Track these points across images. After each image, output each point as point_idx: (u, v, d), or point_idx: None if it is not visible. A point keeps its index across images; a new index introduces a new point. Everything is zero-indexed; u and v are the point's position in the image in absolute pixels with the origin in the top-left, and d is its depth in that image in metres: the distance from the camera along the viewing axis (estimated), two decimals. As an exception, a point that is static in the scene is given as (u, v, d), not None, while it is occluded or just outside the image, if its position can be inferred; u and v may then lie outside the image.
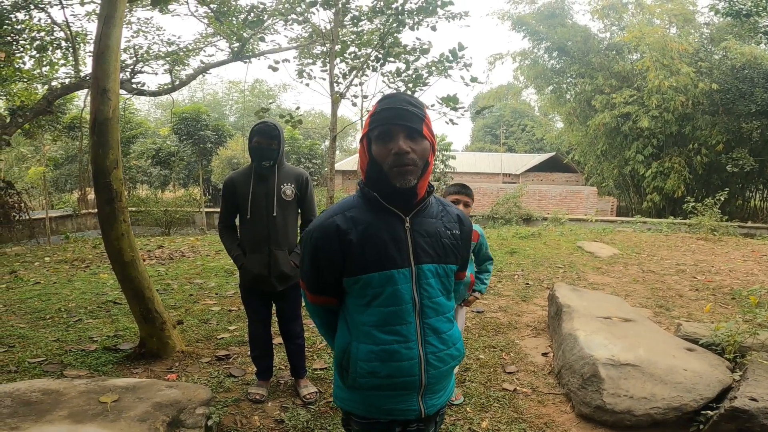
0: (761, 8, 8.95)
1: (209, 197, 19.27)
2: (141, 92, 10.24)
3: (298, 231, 2.62)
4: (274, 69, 6.05)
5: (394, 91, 1.37)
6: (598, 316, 3.40)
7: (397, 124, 1.19)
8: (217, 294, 5.03)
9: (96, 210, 12.17)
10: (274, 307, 2.71)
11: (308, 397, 2.58)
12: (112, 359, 3.08)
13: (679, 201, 16.03)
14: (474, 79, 6.05)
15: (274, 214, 2.44)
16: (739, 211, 16.96)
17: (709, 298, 5.16)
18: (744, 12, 9.60)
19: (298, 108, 6.47)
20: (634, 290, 5.48)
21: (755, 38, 12.78)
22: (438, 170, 17.04)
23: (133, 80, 10.19)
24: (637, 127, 16.49)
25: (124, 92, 10.56)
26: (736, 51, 14.60)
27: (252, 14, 6.97)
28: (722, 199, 10.78)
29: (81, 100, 18.78)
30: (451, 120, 5.76)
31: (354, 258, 1.23)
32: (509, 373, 3.04)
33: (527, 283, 5.65)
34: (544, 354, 3.38)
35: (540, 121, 27.82)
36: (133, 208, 14.54)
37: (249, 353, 3.22)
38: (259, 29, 7.33)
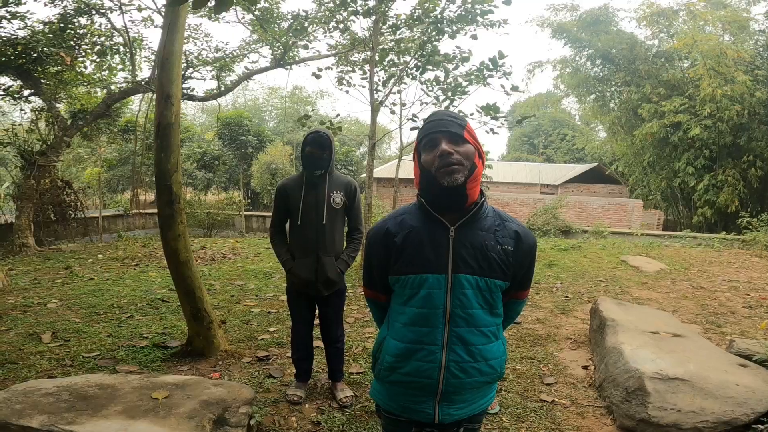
0: None
1: (248, 201, 19.89)
2: (190, 97, 10.75)
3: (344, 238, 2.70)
4: (317, 76, 6.20)
5: (439, 110, 1.41)
6: (644, 331, 3.27)
7: (439, 131, 1.26)
8: (257, 296, 5.18)
9: (145, 210, 12.80)
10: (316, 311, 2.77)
11: (344, 400, 2.62)
12: (160, 356, 3.23)
13: (732, 216, 15.13)
14: (515, 88, 5.98)
15: (324, 221, 2.51)
16: (798, 228, 15.81)
17: (763, 316, 4.85)
18: None
19: (338, 115, 6.60)
20: (683, 306, 5.22)
21: None
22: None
23: (183, 85, 10.72)
24: (688, 137, 15.74)
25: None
26: None
27: (296, 22, 7.20)
28: (780, 214, 10.10)
29: (135, 104, 19.93)
30: (491, 129, 5.71)
31: (397, 258, 1.31)
32: (547, 384, 2.98)
33: (567, 296, 5.50)
34: (585, 367, 3.28)
35: (581, 131, 27.07)
36: (180, 210, 15.16)
37: (289, 355, 3.32)
38: (301, 37, 7.55)
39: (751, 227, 10.30)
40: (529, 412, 2.59)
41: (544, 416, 2.55)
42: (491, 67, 5.78)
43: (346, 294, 2.90)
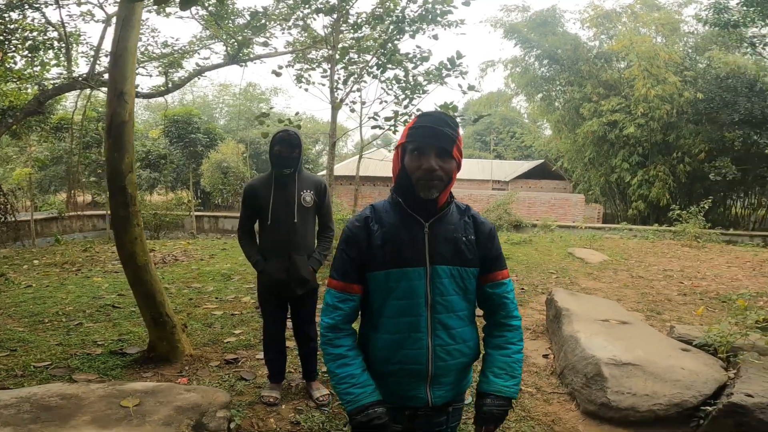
0: (749, 19, 9.31)
1: (199, 201, 19.11)
2: (135, 94, 10.16)
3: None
4: (278, 74, 6.09)
5: (434, 109, 1.44)
6: (596, 319, 3.51)
7: (431, 143, 1.30)
8: (217, 298, 5.03)
9: (83, 212, 11.96)
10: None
11: (321, 399, 2.63)
12: (120, 363, 3.08)
13: (663, 209, 16.42)
14: (471, 88, 6.18)
15: (295, 220, 2.50)
16: (720, 219, 17.44)
17: (696, 302, 5.33)
18: (732, 23, 9.95)
19: (297, 113, 6.51)
20: (625, 295, 5.63)
21: (741, 48, 13.23)
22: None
23: (126, 82, 10.13)
24: (624, 135, 16.88)
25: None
26: (720, 60, 15.03)
27: (254, 20, 7.01)
28: (706, 207, 11.10)
29: (69, 101, 18.49)
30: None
31: (376, 254, 1.36)
32: (513, 374, 3.13)
33: (522, 288, 5.77)
34: (545, 356, 3.48)
35: (529, 129, 28.27)
36: (122, 211, 14.35)
37: (258, 357, 3.27)
38: (260, 34, 7.37)
39: (681, 219, 11.24)
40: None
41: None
42: (449, 66, 5.94)
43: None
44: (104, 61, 10.09)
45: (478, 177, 25.81)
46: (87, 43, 10.04)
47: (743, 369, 2.61)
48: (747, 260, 8.23)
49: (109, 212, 14.41)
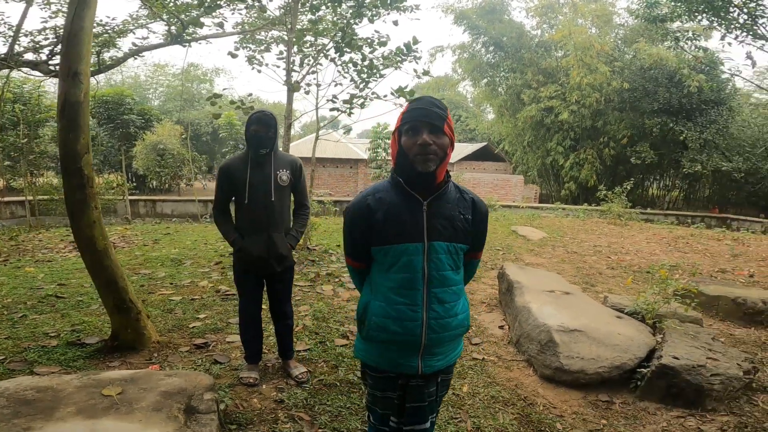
0: (676, 15, 10.16)
1: (134, 184, 17.90)
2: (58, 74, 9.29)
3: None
4: (234, 56, 5.87)
5: (424, 95, 1.58)
6: (543, 290, 3.88)
7: (423, 120, 1.43)
8: (171, 284, 4.88)
9: (3, 199, 10.85)
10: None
11: (300, 376, 2.72)
12: (81, 354, 2.96)
13: (591, 189, 17.79)
14: (426, 73, 6.33)
15: (272, 198, 2.54)
16: (639, 199, 19.22)
17: (623, 275, 5.97)
18: (660, 17, 10.81)
19: (250, 95, 6.33)
20: (563, 269, 6.17)
21: (665, 41, 14.41)
22: (380, 158, 17.31)
23: (50, 62, 9.24)
24: (558, 121, 17.97)
25: (40, 74, 9.53)
26: (645, 52, 16.31)
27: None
28: (628, 188, 12.20)
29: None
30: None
31: (379, 231, 1.49)
32: (475, 344, 3.41)
33: (474, 265, 6.13)
34: (501, 327, 3.80)
35: (473, 112, 29.11)
36: (45, 197, 13.23)
37: (228, 340, 3.29)
38: (211, 14, 6.97)
39: (607, 199, 12.29)
40: (467, 369, 2.97)
41: (480, 372, 2.95)
42: (406, 51, 6.03)
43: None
44: (24, 41, 9.12)
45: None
46: (5, 23, 9.03)
47: (668, 334, 3.03)
48: (663, 237, 9.24)
49: (28, 198, 13.18)
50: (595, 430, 2.38)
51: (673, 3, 9.87)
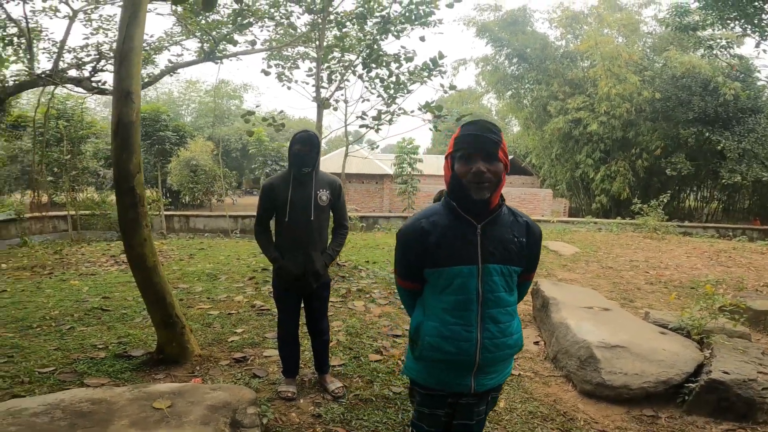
0: (708, 23, 9.95)
1: (169, 200, 18.57)
2: (101, 91, 9.81)
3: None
4: (266, 73, 6.08)
5: (478, 119, 1.60)
6: (581, 306, 3.80)
7: (477, 149, 1.45)
8: (208, 298, 5.02)
9: (45, 213, 11.47)
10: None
11: (337, 391, 2.75)
12: (127, 366, 3.08)
13: (623, 202, 17.31)
14: (453, 87, 6.38)
15: (312, 218, 2.60)
16: (676, 212, 18.55)
17: (663, 290, 5.77)
18: (691, 26, 10.59)
19: (281, 112, 6.53)
20: (599, 285, 6.01)
21: (698, 50, 14.07)
22: (405, 173, 17.38)
23: (92, 78, 9.77)
24: (587, 132, 17.64)
25: (82, 91, 10.09)
26: (676, 60, 15.88)
27: (239, 17, 6.93)
28: (665, 201, 11.81)
29: (24, 98, 17.46)
30: (435, 126, 6.04)
31: (433, 254, 1.51)
32: (511, 361, 3.36)
33: (505, 281, 6.04)
34: (536, 342, 3.73)
35: (498, 125, 28.93)
36: (86, 212, 13.85)
37: (266, 354, 3.35)
38: (244, 31, 7.28)
39: (642, 212, 11.92)
40: (503, 385, 2.92)
41: (517, 387, 2.91)
42: (432, 66, 6.11)
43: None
44: (67, 57, 9.72)
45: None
46: (49, 39, 9.65)
47: (716, 349, 2.92)
48: (704, 250, 8.88)
49: (70, 213, 13.85)
50: (642, 449, 2.31)
51: (703, 11, 9.66)
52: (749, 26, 9.14)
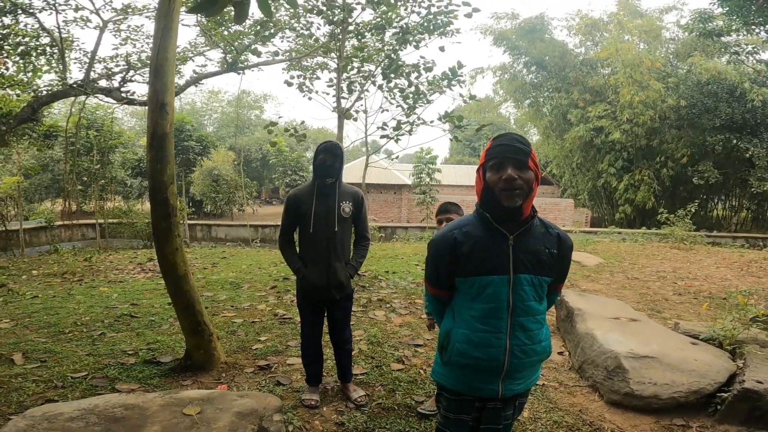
0: (733, 28, 9.77)
1: (192, 209, 19.01)
2: (130, 101, 10.16)
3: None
4: (289, 84, 6.23)
5: (508, 131, 1.64)
6: (607, 317, 3.73)
7: (508, 156, 1.48)
8: (232, 306, 5.10)
9: (74, 222, 11.84)
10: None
11: (359, 400, 2.76)
12: (156, 372, 3.16)
13: (648, 212, 16.87)
14: (472, 97, 6.41)
15: (335, 229, 2.64)
16: (703, 221, 17.99)
17: (692, 302, 5.60)
18: (715, 32, 10.39)
19: (302, 122, 6.64)
20: (624, 296, 5.87)
21: (723, 55, 13.75)
22: (424, 183, 17.37)
23: (122, 89, 10.12)
24: (609, 141, 17.30)
25: (112, 101, 10.45)
26: (701, 66, 15.43)
27: (263, 28, 7.13)
28: (693, 210, 11.48)
29: (55, 108, 18.16)
30: (455, 137, 6.06)
31: (465, 263, 1.54)
32: (535, 372, 3.31)
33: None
34: (560, 353, 3.68)
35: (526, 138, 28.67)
36: (115, 220, 14.25)
37: (289, 362, 3.38)
38: (267, 42, 7.47)
39: (669, 222, 11.62)
40: (528, 394, 2.89)
41: (541, 398, 2.87)
42: (451, 76, 6.15)
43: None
44: (98, 68, 10.10)
45: (469, 183, 26.14)
46: (80, 49, 10.03)
47: (749, 359, 2.84)
48: (734, 261, 8.59)
49: (99, 221, 14.30)
50: (674, 462, 2.25)
51: (727, 17, 9.46)
52: (775, 31, 8.91)
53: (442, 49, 5.95)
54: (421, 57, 6.19)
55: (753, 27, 9.14)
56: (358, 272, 6.63)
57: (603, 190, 19.33)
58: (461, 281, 1.57)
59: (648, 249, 10.29)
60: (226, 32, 8.61)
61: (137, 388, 2.88)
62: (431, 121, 6.45)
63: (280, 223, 2.81)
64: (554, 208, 19.61)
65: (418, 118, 6.51)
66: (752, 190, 15.70)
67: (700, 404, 2.66)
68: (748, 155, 15.31)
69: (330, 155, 2.61)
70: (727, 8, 8.91)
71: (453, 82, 6.22)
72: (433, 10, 6.04)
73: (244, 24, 8.32)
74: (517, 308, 1.52)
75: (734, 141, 15.47)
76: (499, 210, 1.51)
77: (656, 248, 10.45)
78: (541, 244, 1.55)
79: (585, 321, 3.61)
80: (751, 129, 15.59)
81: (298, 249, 2.77)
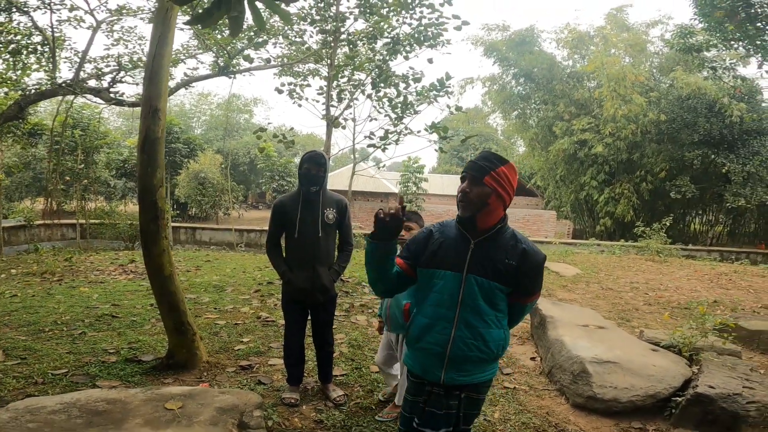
0: (711, 44, 10.16)
1: (177, 212, 18.84)
2: (119, 102, 10.12)
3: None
4: (280, 91, 6.32)
5: (485, 150, 1.84)
6: (577, 324, 3.90)
7: (468, 171, 1.69)
8: (215, 308, 5.15)
9: (55, 221, 11.67)
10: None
11: (338, 399, 2.87)
12: (138, 370, 3.21)
13: (628, 225, 17.19)
14: (459, 109, 6.58)
15: (320, 235, 2.76)
16: (680, 235, 18.40)
17: (660, 311, 5.83)
18: (695, 47, 10.78)
19: (291, 129, 6.74)
20: (598, 305, 6.08)
21: (702, 71, 14.20)
22: (410, 192, 17.52)
23: (111, 89, 10.09)
24: (592, 154, 17.62)
25: (100, 101, 10.40)
26: (682, 81, 15.74)
27: (257, 34, 7.22)
28: (668, 224, 11.83)
29: (41, 106, 17.91)
30: (440, 148, 6.22)
31: (430, 254, 1.73)
32: (506, 374, 3.47)
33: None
34: (533, 358, 3.83)
35: (503, 145, 29.16)
36: (96, 221, 14.07)
37: (271, 363, 3.47)
38: (260, 48, 7.56)
39: (645, 235, 11.95)
40: (499, 397, 3.05)
41: (512, 400, 3.01)
42: (439, 87, 6.32)
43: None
44: (88, 68, 10.06)
45: (455, 192, 26.39)
46: (71, 48, 9.99)
47: (705, 365, 3.03)
48: (705, 273, 8.92)
49: (80, 221, 14.10)
50: (629, 460, 2.40)
51: (708, 32, 9.84)
52: (752, 47, 9.31)
53: (430, 61, 6.12)
54: (411, 68, 6.36)
55: (732, 42, 9.53)
56: (342, 278, 6.77)
57: (585, 203, 19.68)
58: (422, 271, 1.76)
59: (624, 261, 10.59)
60: (219, 36, 8.68)
61: (118, 385, 2.94)
62: (418, 131, 6.60)
63: (265, 227, 2.93)
64: (537, 220, 19.95)
65: (406, 128, 6.66)
66: (727, 205, 16.15)
67: (656, 408, 2.82)
68: (724, 170, 15.69)
69: (314, 165, 2.74)
70: (707, 24, 9.27)
71: (440, 93, 6.39)
72: (425, 21, 6.22)
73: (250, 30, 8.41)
74: (466, 304, 1.68)
75: (712, 156, 15.83)
76: (458, 218, 1.72)
77: (632, 260, 10.76)
78: (502, 254, 1.68)
79: (556, 328, 3.77)
80: (728, 144, 16.01)
81: (284, 253, 2.88)
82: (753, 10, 8.34)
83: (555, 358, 3.36)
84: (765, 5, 8.05)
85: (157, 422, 2.09)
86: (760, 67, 9.53)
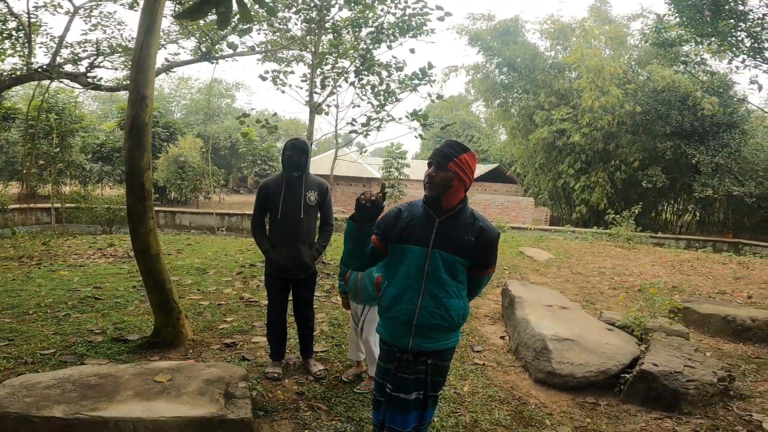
0: (684, 39, 10.49)
1: (156, 196, 18.58)
2: (97, 87, 9.94)
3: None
4: (264, 78, 6.36)
5: (449, 138, 2.06)
6: (543, 305, 4.17)
7: (432, 158, 1.90)
8: (198, 290, 5.27)
9: (32, 205, 11.52)
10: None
11: (319, 373, 3.07)
12: (125, 349, 3.34)
13: (602, 213, 17.77)
14: (440, 97, 6.74)
15: (301, 216, 2.94)
16: (651, 223, 19.11)
17: (623, 294, 6.20)
18: (669, 42, 11.11)
19: (275, 114, 6.79)
20: (566, 288, 6.41)
21: (675, 65, 14.60)
22: (393, 177, 17.72)
23: (88, 74, 9.90)
24: (570, 143, 18.08)
25: (77, 86, 10.20)
26: (658, 74, 16.28)
27: (238, 22, 7.17)
28: (636, 212, 12.28)
29: (14, 90, 17.29)
30: (420, 135, 6.38)
31: (399, 231, 1.94)
32: (477, 351, 3.72)
33: (480, 282, 6.41)
34: (502, 337, 4.10)
35: (486, 133, 29.48)
36: (72, 205, 13.84)
37: (254, 340, 3.64)
38: (244, 35, 7.52)
39: (615, 222, 12.43)
40: (468, 372, 3.29)
41: (480, 375, 3.27)
42: (421, 76, 6.45)
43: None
44: (64, 53, 9.84)
45: (436, 178, 26.64)
46: (47, 33, 9.76)
47: (652, 345, 3.31)
48: (669, 260, 9.39)
49: (54, 205, 13.84)
50: (580, 427, 2.67)
51: (681, 27, 10.12)
52: (724, 43, 9.62)
53: (412, 51, 6.22)
54: (393, 57, 6.47)
55: (704, 38, 9.82)
56: (324, 260, 6.94)
57: (562, 191, 20.20)
58: (393, 247, 1.94)
59: (595, 247, 11.02)
60: (201, 22, 8.58)
61: (105, 363, 3.07)
62: (399, 119, 6.74)
63: (247, 212, 3.09)
64: (515, 206, 20.40)
65: (388, 115, 6.79)
66: (696, 195, 16.82)
67: (608, 384, 3.06)
68: (694, 161, 16.29)
69: (297, 152, 2.90)
70: (681, 19, 9.53)
71: (423, 82, 6.52)
72: (408, 11, 6.31)
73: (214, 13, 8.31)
74: (431, 276, 1.88)
75: (683, 147, 16.41)
76: (425, 198, 1.93)
77: (603, 246, 11.20)
78: (463, 231, 1.91)
79: (523, 308, 4.03)
80: (698, 136, 16.60)
81: (268, 233, 3.05)
82: (723, 7, 8.61)
83: (521, 336, 3.62)
84: (731, 2, 8.35)
85: (148, 394, 2.25)
86: (729, 62, 9.88)
